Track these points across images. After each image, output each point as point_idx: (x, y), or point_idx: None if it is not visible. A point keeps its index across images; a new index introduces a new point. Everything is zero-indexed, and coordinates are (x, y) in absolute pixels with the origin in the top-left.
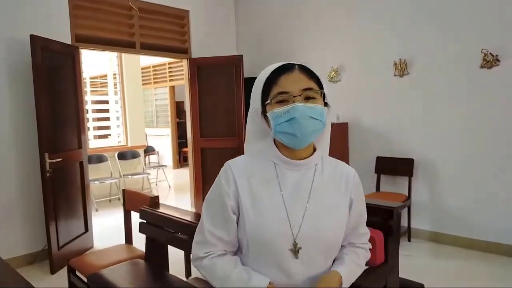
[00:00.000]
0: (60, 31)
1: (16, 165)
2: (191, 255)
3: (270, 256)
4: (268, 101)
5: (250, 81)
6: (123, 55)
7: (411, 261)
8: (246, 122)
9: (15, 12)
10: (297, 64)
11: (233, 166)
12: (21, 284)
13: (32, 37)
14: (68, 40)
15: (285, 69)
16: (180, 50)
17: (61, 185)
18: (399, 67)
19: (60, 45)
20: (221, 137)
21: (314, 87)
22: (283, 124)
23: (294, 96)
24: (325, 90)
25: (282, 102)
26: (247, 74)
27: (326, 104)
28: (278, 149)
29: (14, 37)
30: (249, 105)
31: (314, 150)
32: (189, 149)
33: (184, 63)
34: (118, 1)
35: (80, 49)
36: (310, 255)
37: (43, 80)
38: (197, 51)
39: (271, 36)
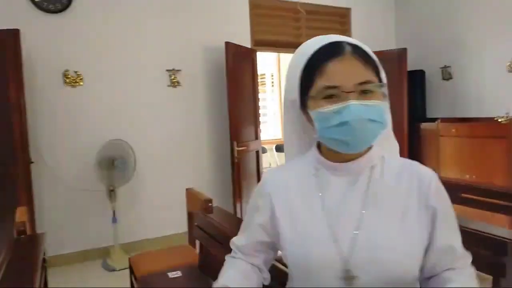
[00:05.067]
0: (243, 37)
1: (209, 152)
2: None
3: (317, 282)
4: (310, 96)
5: (413, 74)
6: (281, 55)
7: None
8: (408, 116)
9: (210, 23)
10: (346, 43)
11: (269, 177)
12: None
13: (227, 44)
14: (248, 44)
15: (333, 52)
16: None
17: (243, 170)
18: None
19: (244, 49)
20: None
21: (373, 79)
22: (332, 129)
23: (347, 92)
24: (383, 76)
25: (329, 97)
26: (410, 67)
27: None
28: (319, 149)
29: (206, 45)
30: (412, 100)
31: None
32: None
33: None
34: (288, 6)
35: (256, 52)
36: (371, 285)
37: (234, 81)
38: None
39: (434, 25)
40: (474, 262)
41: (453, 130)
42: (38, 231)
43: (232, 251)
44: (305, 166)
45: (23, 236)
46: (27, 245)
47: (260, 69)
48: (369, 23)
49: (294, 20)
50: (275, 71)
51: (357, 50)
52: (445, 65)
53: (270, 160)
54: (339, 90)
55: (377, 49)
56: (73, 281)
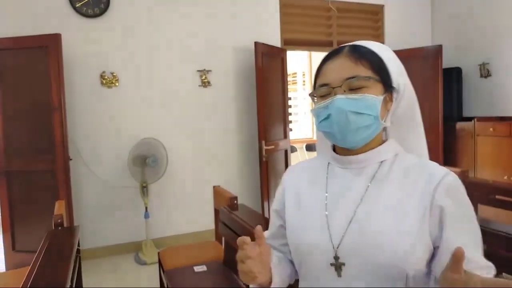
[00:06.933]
0: (273, 36)
1: (238, 150)
2: None
3: (310, 270)
4: (313, 96)
5: (449, 71)
6: (313, 54)
7: None
8: (444, 116)
9: (240, 23)
10: (349, 46)
11: (288, 170)
12: None
13: (256, 44)
14: (278, 44)
15: (332, 54)
16: None
17: (271, 169)
18: None
19: (274, 49)
20: None
21: (362, 74)
22: (322, 123)
23: (334, 88)
24: (395, 71)
25: (325, 96)
26: (446, 64)
27: (390, 90)
28: (334, 145)
29: (236, 45)
30: (448, 98)
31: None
32: None
33: None
34: (319, 4)
35: (286, 51)
36: (360, 276)
37: (263, 80)
38: (390, 45)
39: (472, 20)
40: (507, 267)
41: (491, 129)
42: (75, 224)
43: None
44: (321, 160)
45: (60, 228)
46: (63, 237)
47: (291, 68)
48: (403, 20)
49: (325, 19)
50: (307, 69)
51: (356, 49)
52: (483, 62)
53: (300, 159)
54: (329, 86)
55: (412, 46)
56: (106, 273)
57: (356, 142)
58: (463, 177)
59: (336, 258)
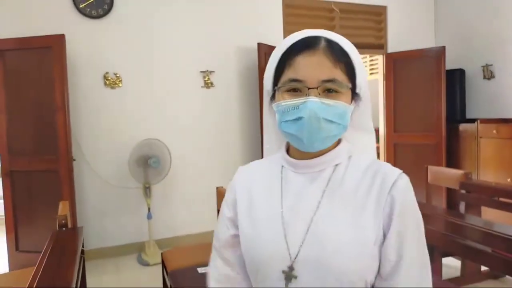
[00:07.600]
0: (275, 37)
1: (241, 151)
2: None
3: (264, 280)
4: (277, 87)
5: (452, 73)
6: None
7: None
8: (447, 117)
9: (243, 24)
10: (324, 39)
11: (240, 172)
12: None
13: (259, 45)
14: None
15: (306, 46)
16: (375, 46)
17: None
18: None
19: None
20: (417, 132)
21: (339, 78)
22: (289, 123)
23: (309, 88)
24: (360, 75)
25: (294, 91)
26: (449, 65)
27: (355, 96)
28: (287, 146)
29: (239, 46)
30: (451, 100)
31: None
32: (381, 144)
33: (379, 58)
34: (321, 5)
35: None
36: (311, 286)
37: None
38: (393, 46)
39: (476, 21)
40: (510, 269)
41: (494, 131)
42: (79, 225)
43: (212, 255)
44: (273, 164)
45: (64, 228)
46: (67, 237)
47: None
48: (406, 21)
49: (328, 20)
50: None
51: (333, 47)
52: (486, 64)
53: None
54: (303, 84)
55: (415, 48)
56: (109, 274)
57: (319, 148)
58: (466, 179)
59: (291, 268)
